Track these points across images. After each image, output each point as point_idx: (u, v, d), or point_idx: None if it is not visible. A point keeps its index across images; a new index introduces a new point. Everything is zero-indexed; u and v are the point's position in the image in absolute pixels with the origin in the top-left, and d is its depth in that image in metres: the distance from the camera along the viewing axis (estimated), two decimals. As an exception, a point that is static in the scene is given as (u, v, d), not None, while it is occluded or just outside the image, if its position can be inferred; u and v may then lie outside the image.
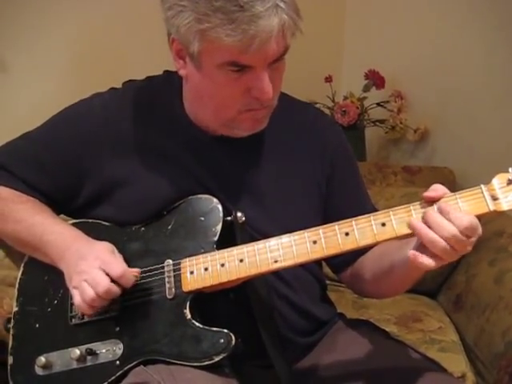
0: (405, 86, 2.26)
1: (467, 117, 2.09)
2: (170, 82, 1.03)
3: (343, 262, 1.07)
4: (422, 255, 0.80)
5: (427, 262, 0.80)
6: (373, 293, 1.07)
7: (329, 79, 2.28)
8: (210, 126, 0.99)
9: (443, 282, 1.78)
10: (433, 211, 0.81)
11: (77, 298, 0.91)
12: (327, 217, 1.01)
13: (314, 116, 1.11)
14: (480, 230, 0.80)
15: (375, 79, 2.23)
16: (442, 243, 0.78)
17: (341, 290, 1.60)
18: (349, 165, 1.10)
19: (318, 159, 1.06)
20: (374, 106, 2.28)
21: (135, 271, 0.93)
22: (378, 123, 2.30)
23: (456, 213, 0.79)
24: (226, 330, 0.89)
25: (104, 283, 0.88)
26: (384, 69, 2.23)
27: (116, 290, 0.90)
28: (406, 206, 0.84)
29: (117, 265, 0.91)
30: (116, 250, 0.95)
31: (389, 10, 2.32)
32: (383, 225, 0.84)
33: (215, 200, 0.97)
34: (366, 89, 2.25)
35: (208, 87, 0.91)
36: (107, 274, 0.89)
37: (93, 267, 0.90)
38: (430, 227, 0.79)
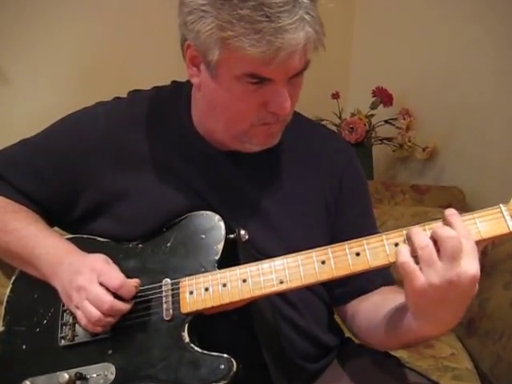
0: (413, 104, 2.24)
1: (477, 135, 2.07)
2: (177, 94, 1.01)
3: (343, 294, 1.02)
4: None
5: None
6: (362, 339, 1.01)
7: (336, 96, 2.26)
8: (220, 139, 0.95)
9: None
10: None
11: (82, 320, 0.88)
12: (333, 239, 0.97)
13: (325, 137, 1.09)
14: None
15: (383, 96, 2.22)
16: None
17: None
18: (357, 189, 1.06)
19: (328, 180, 1.03)
20: (382, 123, 2.26)
21: (134, 281, 0.90)
22: (385, 141, 2.28)
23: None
24: (226, 355, 0.85)
25: (107, 300, 0.86)
26: (392, 86, 2.22)
27: (121, 305, 0.87)
28: (421, 224, 0.80)
29: (115, 275, 0.88)
30: (110, 261, 0.92)
31: (397, 26, 2.32)
32: (396, 245, 0.80)
33: (217, 217, 0.93)
34: (374, 106, 2.23)
35: (222, 98, 0.88)
36: (106, 288, 0.86)
37: (91, 282, 0.87)
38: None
